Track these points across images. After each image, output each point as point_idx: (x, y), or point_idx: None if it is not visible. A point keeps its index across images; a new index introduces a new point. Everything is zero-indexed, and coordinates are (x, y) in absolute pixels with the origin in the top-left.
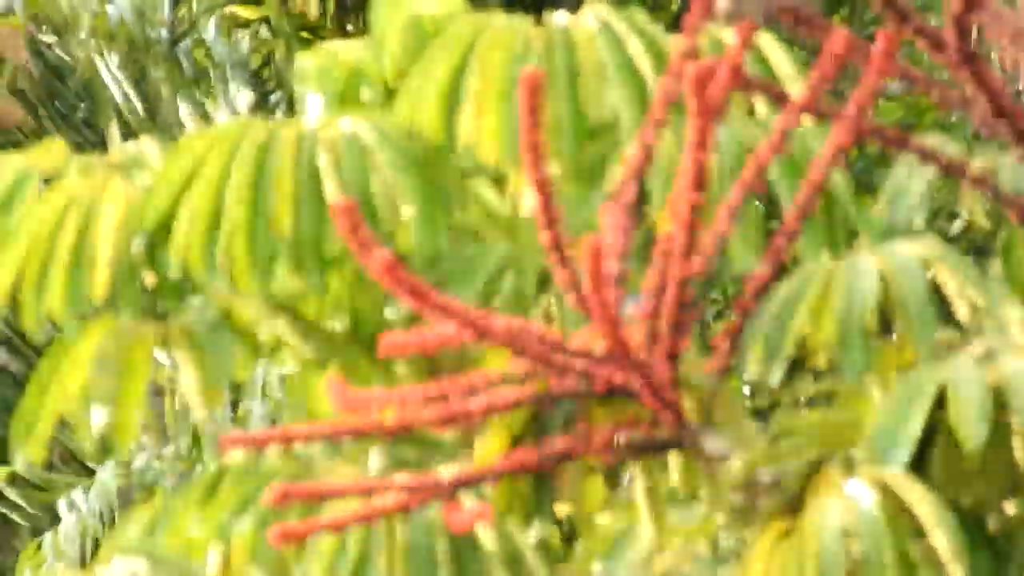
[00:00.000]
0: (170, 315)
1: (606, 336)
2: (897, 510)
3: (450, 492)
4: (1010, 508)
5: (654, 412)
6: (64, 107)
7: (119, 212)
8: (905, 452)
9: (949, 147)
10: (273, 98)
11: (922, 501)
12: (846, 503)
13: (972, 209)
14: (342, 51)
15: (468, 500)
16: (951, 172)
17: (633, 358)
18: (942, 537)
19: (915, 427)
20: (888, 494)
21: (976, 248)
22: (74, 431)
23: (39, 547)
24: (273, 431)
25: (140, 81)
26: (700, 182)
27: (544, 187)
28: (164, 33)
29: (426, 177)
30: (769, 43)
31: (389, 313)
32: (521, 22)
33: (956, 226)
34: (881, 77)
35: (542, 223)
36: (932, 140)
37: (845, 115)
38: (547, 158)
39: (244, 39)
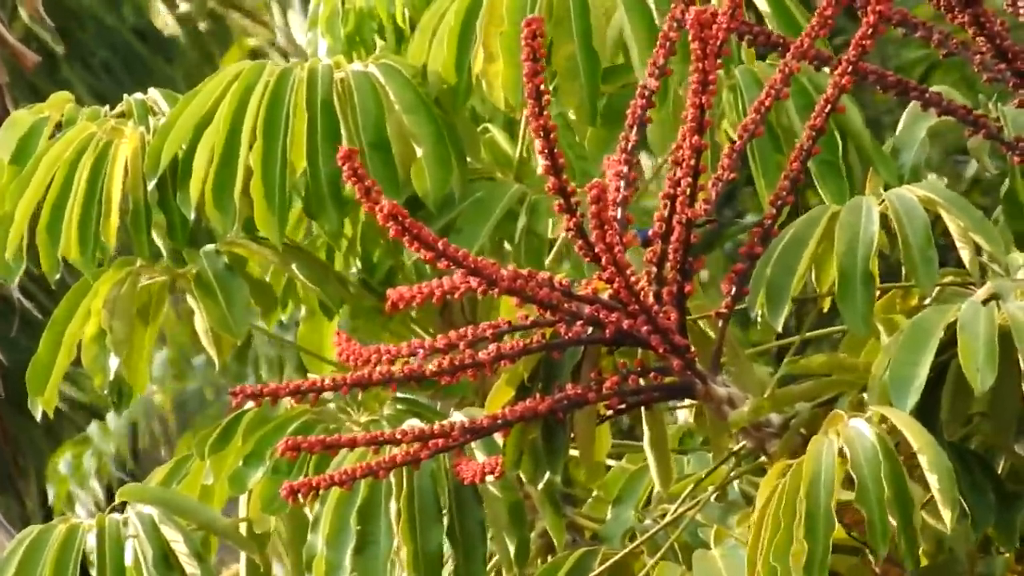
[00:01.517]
0: (183, 260)
1: (612, 281)
2: (894, 447)
3: (460, 443)
4: (1021, 449)
5: (662, 358)
6: (83, 53)
7: (134, 154)
8: (914, 397)
9: (956, 92)
10: None
11: (923, 445)
12: (847, 434)
13: (978, 153)
14: None
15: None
16: (954, 116)
17: (640, 302)
18: (935, 478)
19: (923, 372)
20: (889, 431)
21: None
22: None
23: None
24: (285, 385)
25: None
26: (702, 126)
27: (547, 134)
28: None
29: (438, 118)
30: None
31: (405, 258)
32: None
33: (970, 168)
34: (878, 20)
35: (546, 169)
36: (939, 86)
37: (844, 57)
38: (559, 102)
39: None
